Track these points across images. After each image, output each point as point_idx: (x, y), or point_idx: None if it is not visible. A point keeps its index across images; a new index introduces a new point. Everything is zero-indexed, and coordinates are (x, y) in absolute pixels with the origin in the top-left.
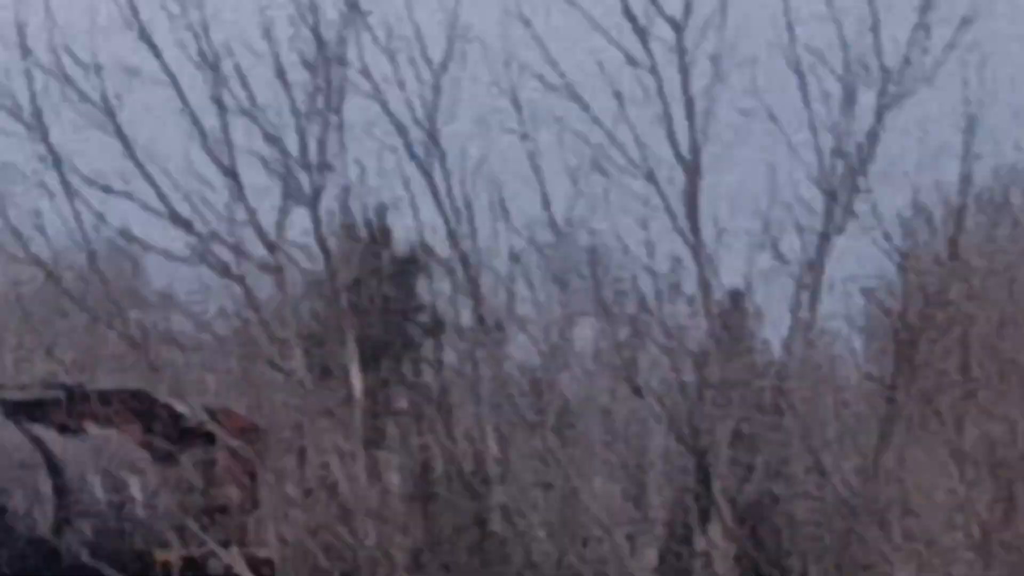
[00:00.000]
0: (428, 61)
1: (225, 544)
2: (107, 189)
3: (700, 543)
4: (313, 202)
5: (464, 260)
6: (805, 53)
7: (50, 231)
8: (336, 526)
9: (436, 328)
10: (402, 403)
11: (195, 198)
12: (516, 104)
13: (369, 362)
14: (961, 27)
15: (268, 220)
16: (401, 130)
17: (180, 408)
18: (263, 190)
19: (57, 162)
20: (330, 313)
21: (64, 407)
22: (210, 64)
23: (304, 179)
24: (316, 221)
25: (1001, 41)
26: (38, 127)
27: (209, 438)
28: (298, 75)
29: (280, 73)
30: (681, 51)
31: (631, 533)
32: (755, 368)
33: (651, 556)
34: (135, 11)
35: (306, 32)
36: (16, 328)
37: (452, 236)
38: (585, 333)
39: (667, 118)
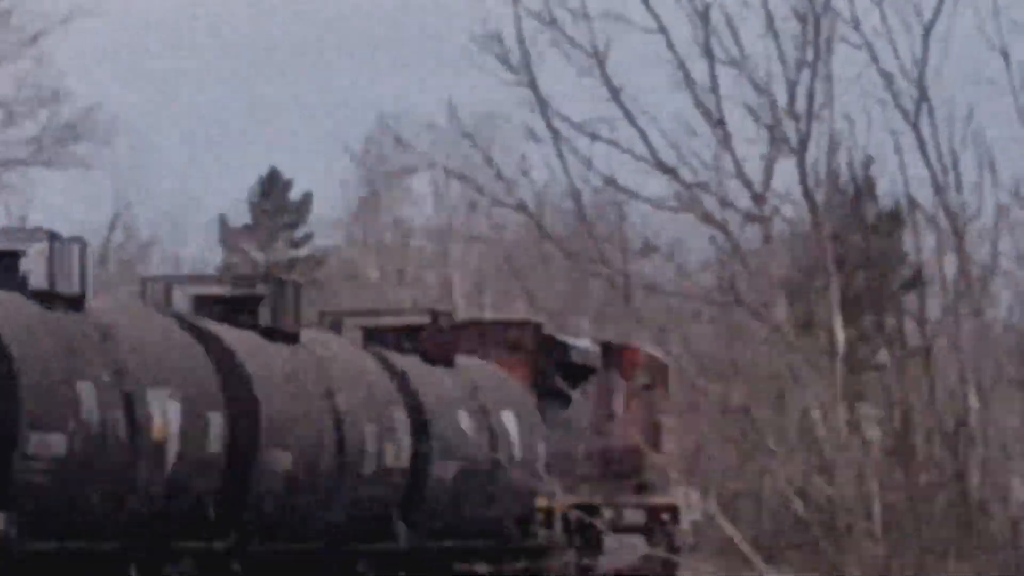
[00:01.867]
0: (919, 13)
1: (618, 489)
2: (594, 136)
3: None
4: (800, 153)
5: (949, 214)
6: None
7: (536, 177)
8: (816, 477)
9: (920, 282)
10: (883, 357)
11: (682, 147)
12: (1006, 58)
13: (851, 315)
14: None
15: (754, 170)
16: (889, 82)
17: (572, 343)
18: (750, 140)
19: (544, 108)
20: (814, 264)
21: (432, 335)
22: (700, 13)
23: (791, 129)
24: (802, 172)
25: None
26: (526, 73)
27: (609, 376)
28: (788, 25)
29: (770, 23)
30: None
31: None
32: None
33: None
34: None
35: None
36: (498, 272)
37: (938, 189)
38: None
39: None
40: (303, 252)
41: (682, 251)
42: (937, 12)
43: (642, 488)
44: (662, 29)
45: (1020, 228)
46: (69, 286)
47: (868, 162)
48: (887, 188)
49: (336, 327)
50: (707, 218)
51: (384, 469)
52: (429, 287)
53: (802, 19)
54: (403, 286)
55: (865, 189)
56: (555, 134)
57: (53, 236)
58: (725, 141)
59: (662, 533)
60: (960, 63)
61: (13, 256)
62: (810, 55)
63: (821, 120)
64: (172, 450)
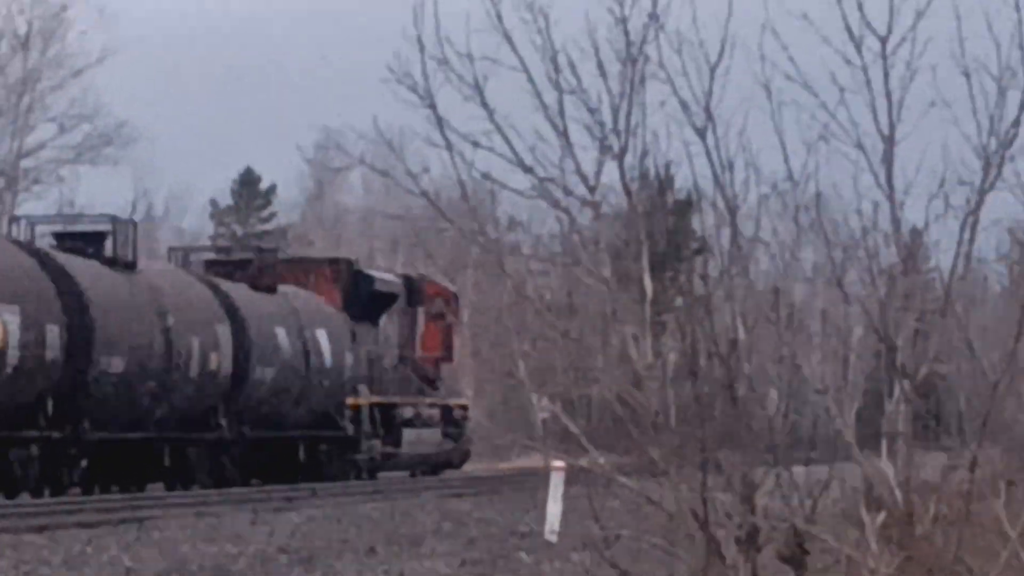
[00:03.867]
0: (707, 59)
1: (420, 392)
2: (475, 144)
3: (887, 406)
4: (620, 157)
5: (725, 200)
6: (971, 62)
7: (434, 172)
8: (630, 388)
9: (703, 249)
10: (678, 303)
11: (537, 152)
12: (767, 91)
13: (656, 272)
14: None
15: (588, 169)
16: (685, 107)
17: (377, 275)
18: (584, 147)
19: (440, 123)
20: (630, 236)
21: (258, 268)
22: (551, 57)
23: (614, 141)
24: (622, 171)
25: None
26: (427, 98)
27: (410, 302)
28: (612, 68)
29: (600, 65)
30: (884, 57)
31: (837, 397)
32: (928, 283)
33: (851, 414)
34: (499, 17)
35: (619, 35)
36: (406, 241)
37: (717, 183)
38: (809, 255)
39: (872, 106)
40: (270, 227)
41: (536, 226)
42: (720, 53)
43: (437, 391)
44: (524, 69)
45: (773, 213)
46: (126, 255)
47: (668, 165)
48: (682, 183)
49: (185, 260)
50: (555, 203)
51: (208, 372)
52: (359, 250)
53: (623, 62)
54: (339, 250)
55: (666, 183)
56: (448, 142)
57: (114, 219)
58: (568, 148)
59: (455, 427)
60: (737, 91)
61: (100, 236)
62: (627, 87)
63: (635, 135)
64: (13, 355)
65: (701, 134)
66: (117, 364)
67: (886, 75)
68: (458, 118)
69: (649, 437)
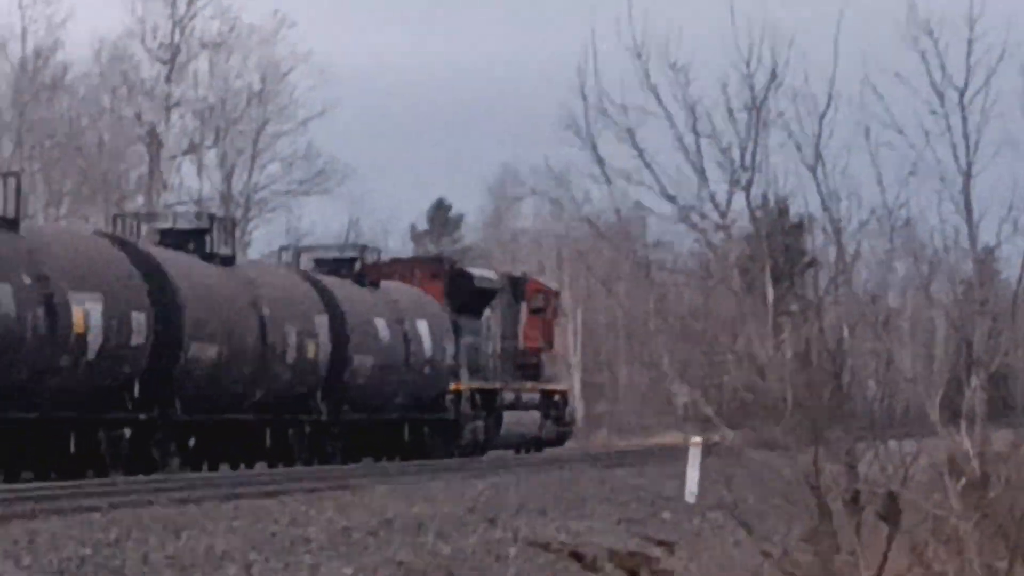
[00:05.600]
0: (816, 109)
1: (522, 378)
2: (627, 178)
3: (966, 392)
4: (747, 189)
5: (832, 224)
6: None
7: (594, 201)
8: (755, 377)
9: (814, 264)
10: (793, 308)
11: (678, 185)
12: (867, 135)
13: (775, 283)
14: None
15: (721, 199)
16: (799, 148)
17: (481, 273)
18: (717, 182)
19: (600, 161)
20: (755, 253)
21: (363, 266)
22: (690, 107)
23: (742, 176)
24: (748, 201)
25: None
26: (589, 141)
27: (514, 297)
28: (740, 115)
29: (730, 112)
30: (962, 106)
31: (924, 385)
32: (999, 290)
33: (936, 398)
34: (647, 74)
35: (745, 89)
36: (570, 257)
37: (825, 210)
38: (901, 269)
39: (953, 146)
40: (458, 245)
41: (677, 245)
42: (828, 104)
43: (538, 377)
44: (668, 117)
45: (871, 234)
46: (225, 251)
47: (785, 195)
48: (796, 210)
49: (296, 259)
50: (693, 227)
51: (306, 359)
52: (530, 266)
53: (748, 111)
54: (514, 266)
55: (784, 209)
56: (606, 177)
57: (212, 218)
58: (704, 182)
59: (555, 410)
60: (842, 135)
61: (201, 232)
62: (752, 133)
63: (759, 171)
64: (95, 341)
65: (812, 170)
66: (209, 350)
67: (964, 121)
68: (614, 157)
69: (771, 418)
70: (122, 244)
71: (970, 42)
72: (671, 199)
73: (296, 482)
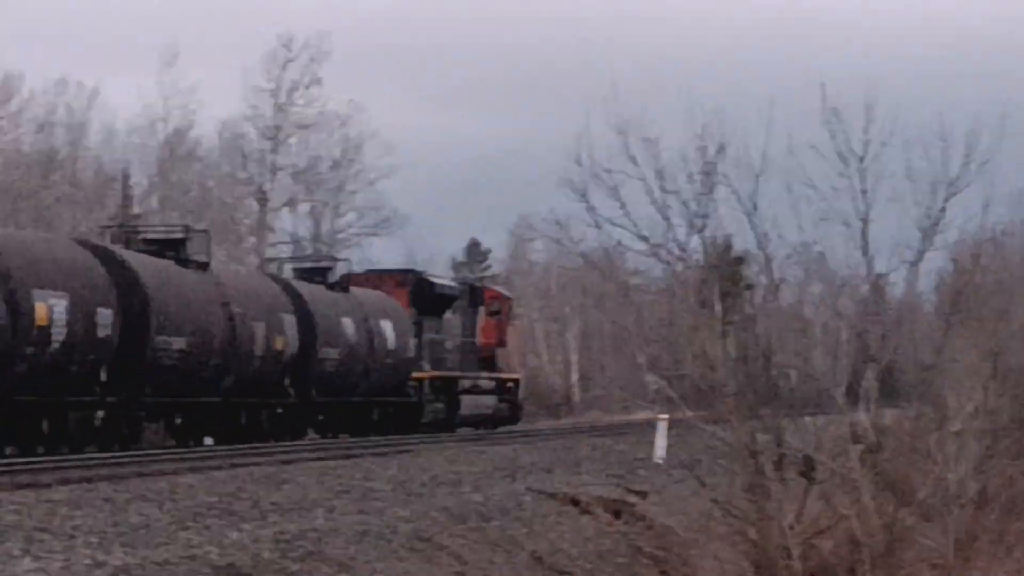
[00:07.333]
0: (753, 172)
1: (480, 369)
2: (611, 222)
3: (863, 381)
4: (701, 231)
5: (764, 257)
6: (914, 174)
7: (588, 240)
8: (707, 370)
9: (751, 287)
10: (736, 319)
11: (651, 228)
12: (790, 191)
13: (724, 300)
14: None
15: (682, 238)
16: (740, 201)
17: (441, 282)
18: (679, 226)
19: (592, 211)
20: (707, 278)
21: (335, 274)
22: (658, 170)
23: (697, 222)
24: (702, 240)
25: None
26: (584, 196)
27: (472, 304)
28: (697, 176)
29: (689, 175)
30: (860, 170)
31: (833, 376)
32: (887, 307)
33: (842, 385)
34: (627, 146)
35: (700, 157)
36: (572, 282)
37: (759, 247)
38: (815, 289)
39: (854, 199)
40: (487, 273)
41: (649, 272)
42: (761, 168)
43: (493, 368)
44: (643, 178)
45: (793, 265)
46: (200, 257)
47: (730, 236)
48: (738, 246)
49: (279, 268)
50: (661, 260)
51: (273, 351)
52: (543, 288)
53: (702, 173)
54: (531, 290)
55: (728, 245)
56: (596, 223)
57: (187, 228)
58: (669, 226)
59: (508, 395)
60: (772, 191)
61: (178, 242)
62: (706, 189)
63: (710, 217)
64: (58, 333)
65: (749, 217)
66: (177, 342)
67: (862, 181)
68: (602, 207)
69: (718, 400)
70: (95, 249)
71: (867, 123)
72: (644, 239)
73: (368, 448)
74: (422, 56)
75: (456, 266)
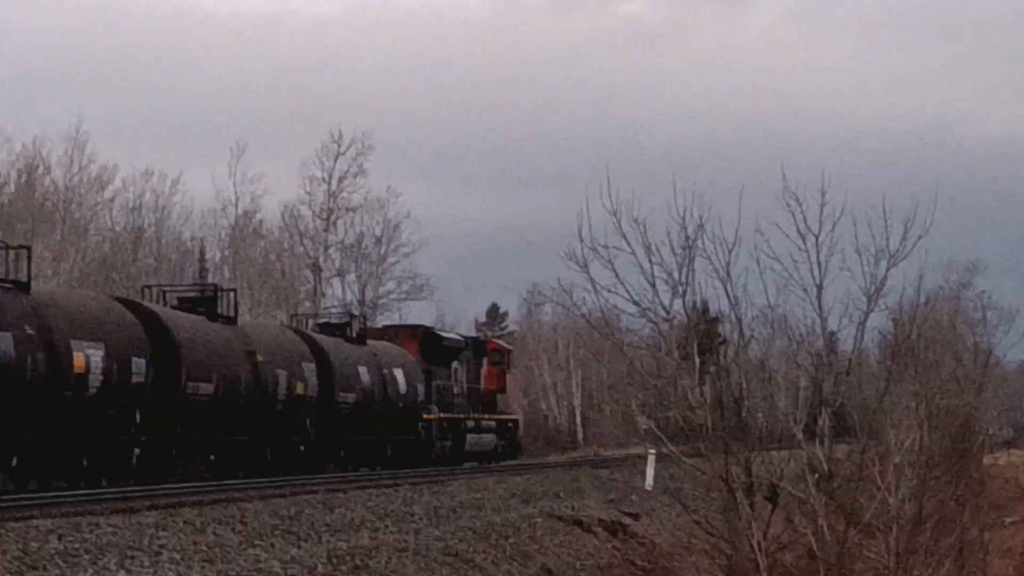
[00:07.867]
0: (727, 246)
1: (483, 411)
2: (609, 290)
3: (819, 421)
4: (683, 296)
5: (736, 317)
6: (862, 247)
7: (588, 304)
8: (688, 412)
9: (725, 342)
10: (712, 369)
11: (641, 294)
12: (758, 262)
13: (702, 353)
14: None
15: (666, 302)
16: (715, 271)
17: (448, 335)
18: (664, 292)
19: (591, 280)
20: (688, 335)
21: (352, 328)
22: (646, 245)
23: (679, 288)
24: (684, 303)
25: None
26: (584, 267)
27: (476, 354)
28: (679, 249)
29: (672, 248)
30: (817, 245)
31: (793, 416)
32: (839, 359)
33: (800, 424)
34: (619, 224)
35: (682, 233)
36: (575, 339)
37: (732, 308)
38: (779, 344)
39: (811, 269)
40: (504, 332)
41: (640, 331)
42: (734, 243)
43: (495, 411)
44: (633, 253)
45: (760, 324)
46: (228, 312)
47: (706, 300)
48: (714, 309)
49: (304, 324)
50: (650, 320)
51: (295, 396)
52: (551, 344)
53: (684, 248)
54: (541, 345)
55: (705, 308)
56: (595, 289)
57: (217, 287)
58: (655, 291)
59: (508, 433)
60: (743, 262)
61: (209, 299)
62: (686, 260)
63: (690, 284)
64: (95, 380)
65: (724, 284)
66: (205, 387)
67: (818, 254)
68: (600, 277)
69: (698, 437)
70: (130, 305)
71: (822, 205)
72: (636, 303)
73: (404, 479)
74: (452, 147)
75: (478, 326)
